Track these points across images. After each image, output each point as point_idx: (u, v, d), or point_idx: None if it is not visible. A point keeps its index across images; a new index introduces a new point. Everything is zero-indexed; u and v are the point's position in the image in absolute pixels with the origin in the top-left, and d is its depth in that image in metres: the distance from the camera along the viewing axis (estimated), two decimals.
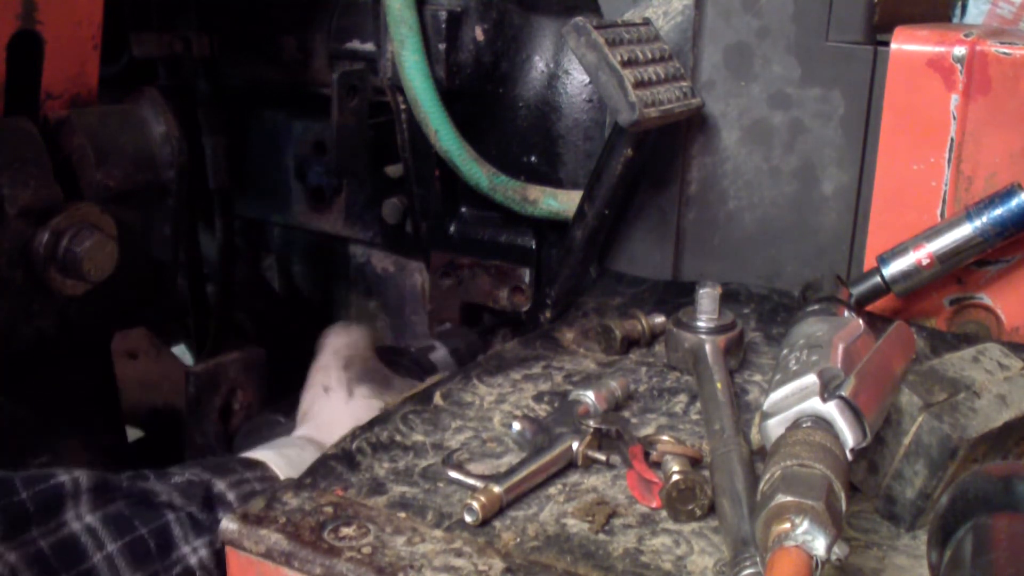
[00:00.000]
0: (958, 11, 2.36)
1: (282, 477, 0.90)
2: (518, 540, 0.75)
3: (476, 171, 1.33)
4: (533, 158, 1.38)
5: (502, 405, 0.97)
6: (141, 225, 1.15)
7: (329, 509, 0.77)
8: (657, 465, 0.82)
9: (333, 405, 1.09)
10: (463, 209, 1.47)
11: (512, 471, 0.81)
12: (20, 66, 1.01)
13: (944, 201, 1.10)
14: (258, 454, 0.94)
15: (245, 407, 1.28)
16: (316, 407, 1.09)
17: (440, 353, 1.34)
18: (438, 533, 0.75)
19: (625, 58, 1.08)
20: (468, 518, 0.77)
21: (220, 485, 0.86)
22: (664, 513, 0.79)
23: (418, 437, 0.90)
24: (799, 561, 0.59)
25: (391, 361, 1.23)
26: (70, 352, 1.11)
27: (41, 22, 1.01)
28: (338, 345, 1.16)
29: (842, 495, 0.64)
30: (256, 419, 1.26)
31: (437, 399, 0.97)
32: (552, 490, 0.82)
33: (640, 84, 1.08)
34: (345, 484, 0.82)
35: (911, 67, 1.09)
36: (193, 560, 0.81)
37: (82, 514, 0.78)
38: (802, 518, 0.60)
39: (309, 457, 0.92)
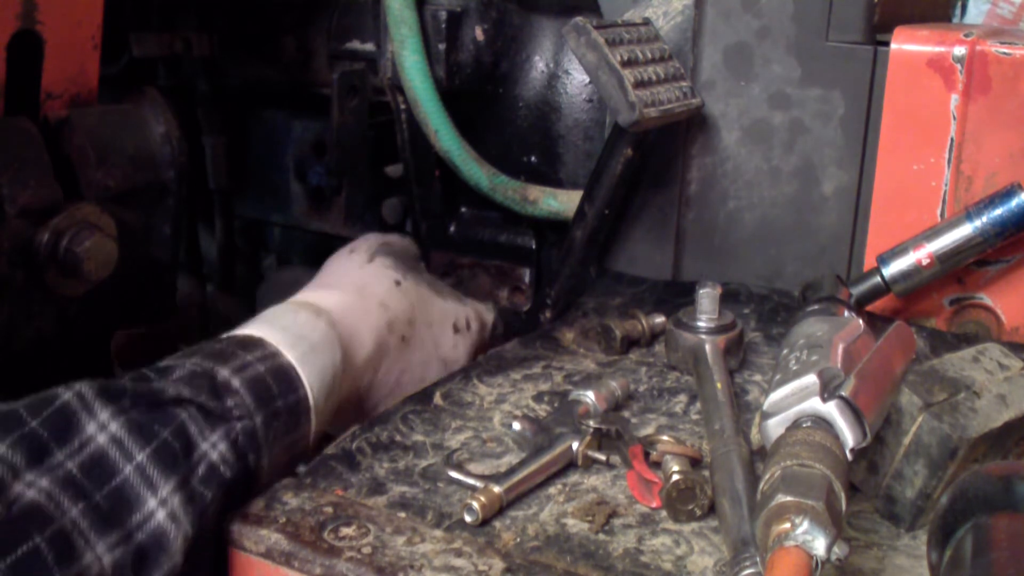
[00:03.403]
0: (958, 11, 2.36)
1: (280, 349, 0.87)
2: (518, 540, 0.75)
3: (476, 171, 1.33)
4: (533, 158, 1.38)
5: (502, 405, 0.97)
6: (141, 225, 1.15)
7: (329, 509, 0.77)
8: (657, 465, 0.82)
9: (348, 264, 1.09)
10: (463, 209, 1.47)
11: (512, 471, 0.81)
12: (20, 66, 1.01)
13: (944, 201, 1.10)
14: (252, 329, 0.90)
15: None
16: (334, 264, 1.10)
17: (487, 305, 1.30)
18: (438, 533, 0.75)
19: (625, 58, 1.08)
20: (468, 518, 0.77)
21: (223, 372, 0.82)
22: (664, 513, 0.79)
23: (418, 437, 0.90)
24: (799, 561, 0.59)
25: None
26: (70, 352, 1.11)
27: (41, 22, 1.01)
28: (390, 235, 1.19)
29: (842, 495, 0.64)
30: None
31: (437, 399, 0.97)
32: (552, 490, 0.82)
33: (640, 84, 1.08)
34: (345, 484, 0.82)
35: (911, 67, 1.09)
36: (214, 455, 0.78)
37: (105, 423, 0.74)
38: (802, 518, 0.60)
39: (304, 323, 0.91)
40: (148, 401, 0.77)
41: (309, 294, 1.02)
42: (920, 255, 1.07)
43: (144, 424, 0.75)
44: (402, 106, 1.35)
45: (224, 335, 0.89)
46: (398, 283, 1.07)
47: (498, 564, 0.71)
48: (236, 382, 0.81)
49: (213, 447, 0.78)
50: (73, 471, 0.71)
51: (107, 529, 0.70)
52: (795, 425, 0.71)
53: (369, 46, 1.39)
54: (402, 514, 0.78)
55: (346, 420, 0.97)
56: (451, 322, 1.12)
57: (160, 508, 0.73)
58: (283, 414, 0.83)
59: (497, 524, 0.77)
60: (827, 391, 0.71)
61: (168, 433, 0.76)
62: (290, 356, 0.86)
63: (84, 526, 0.70)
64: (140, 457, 0.74)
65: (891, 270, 1.08)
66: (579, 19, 1.09)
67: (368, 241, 1.15)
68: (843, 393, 0.70)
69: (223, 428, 0.79)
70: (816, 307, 0.97)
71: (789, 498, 0.62)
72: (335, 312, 0.96)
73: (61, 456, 0.72)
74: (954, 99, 1.07)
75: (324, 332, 0.92)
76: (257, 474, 0.81)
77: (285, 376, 0.85)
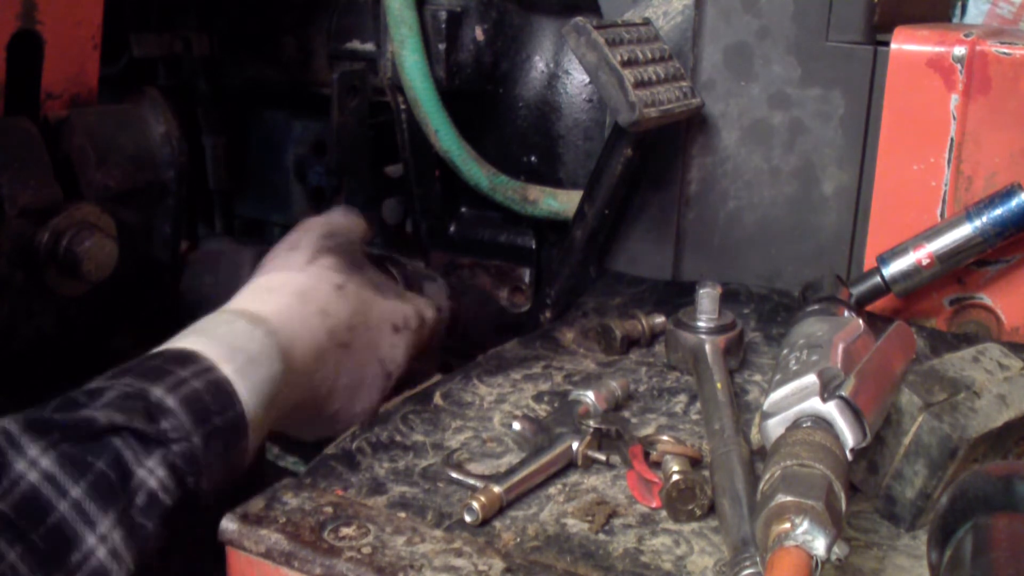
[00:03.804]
0: (958, 11, 2.37)
1: (216, 363, 0.82)
2: (518, 540, 0.75)
3: (476, 171, 1.33)
4: (533, 158, 1.38)
5: (502, 405, 0.97)
6: (141, 225, 1.15)
7: (329, 509, 0.77)
8: (657, 465, 0.82)
9: (288, 263, 1.02)
10: (463, 209, 1.47)
11: (512, 471, 0.81)
12: (20, 66, 1.01)
13: (944, 201, 1.10)
14: (186, 341, 0.84)
15: None
16: (274, 263, 1.03)
17: (436, 285, 1.28)
18: (438, 533, 0.75)
19: (625, 58, 1.08)
20: (468, 518, 0.77)
21: (157, 392, 0.77)
22: (664, 513, 0.79)
23: (418, 437, 0.90)
24: (799, 561, 0.59)
25: (380, 261, 1.17)
26: (70, 352, 1.11)
27: (41, 22, 1.01)
28: (334, 219, 1.11)
29: (842, 495, 0.64)
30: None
31: (437, 399, 0.97)
32: (552, 490, 0.82)
33: (640, 84, 1.08)
34: (345, 484, 0.82)
35: (911, 67, 1.09)
36: (153, 483, 0.74)
37: (34, 459, 0.71)
38: (802, 518, 0.60)
39: (240, 334, 0.86)
40: (79, 432, 0.73)
41: (247, 300, 0.96)
42: (920, 255, 1.07)
43: (76, 457, 0.72)
44: (402, 106, 1.35)
45: (157, 349, 0.85)
46: (340, 287, 1.01)
47: (498, 564, 0.71)
48: (171, 401, 0.77)
49: (150, 473, 0.74)
50: (7, 512, 0.68)
51: (48, 571, 0.68)
52: (795, 425, 0.71)
53: (369, 46, 1.39)
54: (402, 514, 0.78)
55: (293, 427, 0.95)
56: (390, 322, 1.05)
57: (100, 545, 0.71)
58: (221, 432, 0.79)
59: (497, 524, 0.77)
60: (827, 391, 0.71)
61: (102, 464, 0.72)
62: (226, 370, 0.82)
63: (24, 571, 0.67)
64: (75, 492, 0.71)
65: (891, 270, 1.08)
66: (579, 19, 1.09)
67: (309, 235, 1.07)
68: (843, 393, 0.70)
69: (160, 453, 0.75)
70: (816, 307, 0.97)
71: (789, 498, 0.62)
72: (274, 320, 0.91)
73: None
74: (954, 99, 1.07)
75: (262, 342, 0.87)
76: (198, 496, 0.78)
77: (222, 391, 0.81)
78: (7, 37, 0.98)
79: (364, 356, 1.02)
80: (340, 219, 1.12)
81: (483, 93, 1.38)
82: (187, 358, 0.82)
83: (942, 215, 1.10)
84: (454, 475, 0.83)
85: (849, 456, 0.69)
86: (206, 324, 0.89)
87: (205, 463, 0.77)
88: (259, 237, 1.74)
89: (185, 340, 0.85)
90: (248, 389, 0.83)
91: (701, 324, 1.02)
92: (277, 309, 0.93)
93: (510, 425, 0.90)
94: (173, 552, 0.77)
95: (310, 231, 1.07)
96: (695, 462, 0.83)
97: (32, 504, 0.70)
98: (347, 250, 1.06)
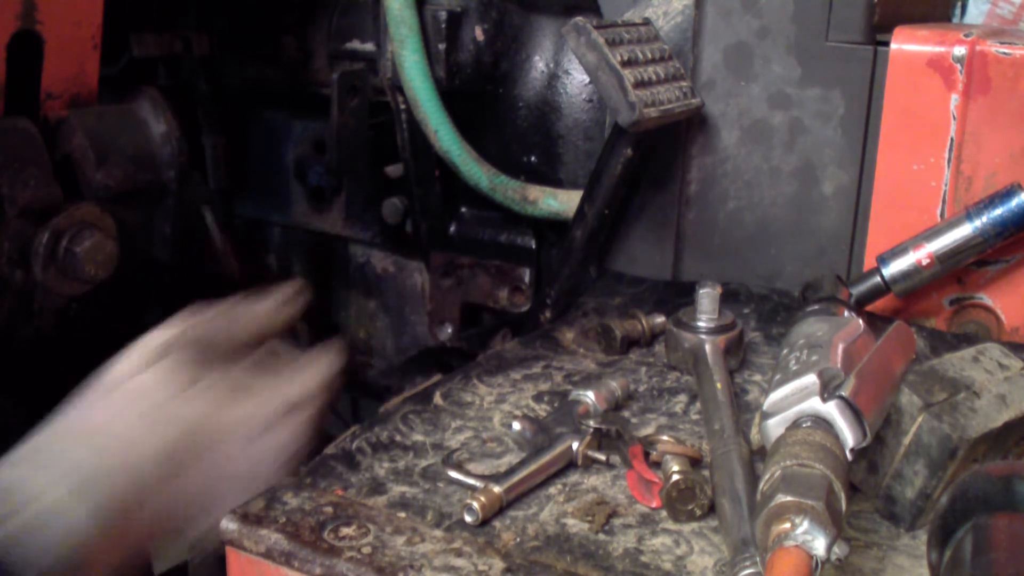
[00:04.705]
0: (958, 11, 2.36)
1: (42, 491, 0.76)
2: (518, 540, 0.75)
3: (476, 171, 1.33)
4: (533, 158, 1.38)
5: (502, 405, 0.97)
6: (141, 225, 1.16)
7: (329, 509, 0.77)
8: (657, 465, 0.82)
9: (124, 370, 0.88)
10: (463, 209, 1.47)
11: (512, 471, 0.81)
12: (20, 66, 1.01)
13: (944, 201, 1.10)
14: (11, 467, 0.78)
15: None
16: (114, 370, 0.88)
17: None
18: (438, 533, 0.75)
19: (625, 58, 1.08)
20: (468, 518, 0.77)
21: None
22: (664, 513, 0.79)
23: (418, 437, 0.90)
24: (799, 561, 0.59)
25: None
26: (70, 352, 1.11)
27: (41, 22, 1.01)
28: (199, 320, 0.94)
29: (842, 495, 0.64)
30: None
31: (437, 399, 0.97)
32: (552, 490, 0.82)
33: (640, 84, 1.08)
34: (345, 484, 0.82)
35: (911, 67, 1.09)
36: None
37: None
38: (802, 518, 0.60)
39: (69, 454, 0.80)
40: None
41: (76, 420, 0.85)
42: (920, 255, 1.07)
43: None
44: (402, 106, 1.35)
45: None
46: (183, 391, 0.86)
47: (498, 564, 0.71)
48: None
49: None
50: None
51: None
52: (795, 425, 0.71)
53: (369, 46, 1.39)
54: (402, 514, 0.78)
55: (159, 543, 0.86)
56: (247, 428, 0.89)
57: None
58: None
59: (497, 524, 0.77)
60: (827, 391, 0.71)
61: None
62: (56, 494, 0.76)
63: None
64: None
65: (891, 270, 1.08)
66: (579, 19, 1.09)
67: (160, 334, 0.90)
68: (843, 393, 0.70)
69: None
70: (816, 307, 0.97)
71: (789, 498, 0.62)
72: (101, 442, 0.81)
73: None
74: (954, 99, 1.07)
75: (93, 465, 0.79)
76: None
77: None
78: (7, 37, 0.98)
79: (210, 477, 0.87)
80: (207, 322, 0.94)
81: (483, 93, 1.38)
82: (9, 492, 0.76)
83: (942, 215, 1.10)
84: (454, 475, 0.83)
85: (849, 456, 0.69)
86: (36, 445, 0.81)
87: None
88: (259, 237, 1.74)
89: (12, 464, 0.79)
90: (76, 517, 0.75)
91: (701, 324, 1.02)
92: (107, 425, 0.84)
93: (510, 425, 0.90)
94: None
95: (167, 330, 0.91)
96: (695, 462, 0.83)
97: None
98: (204, 348, 0.91)
